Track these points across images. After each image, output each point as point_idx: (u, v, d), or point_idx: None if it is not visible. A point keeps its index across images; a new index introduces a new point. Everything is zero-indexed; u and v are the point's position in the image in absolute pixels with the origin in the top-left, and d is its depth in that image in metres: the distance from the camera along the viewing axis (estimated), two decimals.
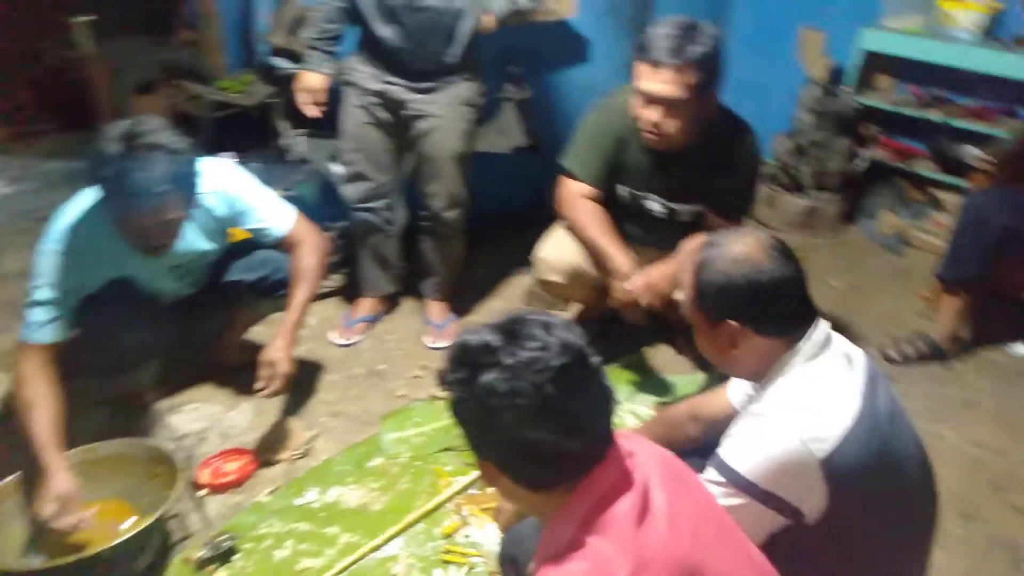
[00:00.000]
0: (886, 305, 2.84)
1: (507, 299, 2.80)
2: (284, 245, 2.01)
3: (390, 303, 2.67)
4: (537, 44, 2.95)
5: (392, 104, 2.21)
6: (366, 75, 2.21)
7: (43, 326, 1.74)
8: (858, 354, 1.29)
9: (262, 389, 1.90)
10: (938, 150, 3.32)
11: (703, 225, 2.06)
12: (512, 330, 0.96)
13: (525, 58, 2.89)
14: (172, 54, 4.10)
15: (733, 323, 1.25)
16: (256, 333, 2.41)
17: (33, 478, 1.64)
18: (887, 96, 3.45)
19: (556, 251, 2.17)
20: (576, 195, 2.06)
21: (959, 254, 2.34)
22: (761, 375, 1.29)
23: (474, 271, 2.89)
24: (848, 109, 3.25)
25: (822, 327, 1.26)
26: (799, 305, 1.27)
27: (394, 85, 2.18)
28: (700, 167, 2.00)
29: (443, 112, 2.21)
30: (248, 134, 3.49)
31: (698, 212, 2.10)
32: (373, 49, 2.17)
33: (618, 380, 2.35)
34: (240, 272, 2.05)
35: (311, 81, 2.24)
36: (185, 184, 1.68)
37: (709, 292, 1.27)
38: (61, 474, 1.60)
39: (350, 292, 2.72)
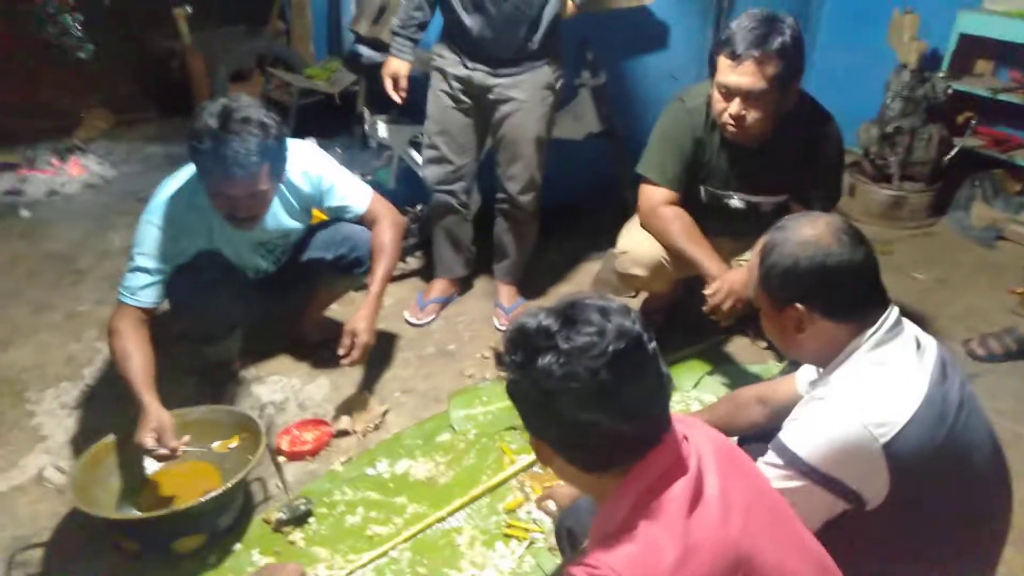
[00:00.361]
0: (973, 300, 2.72)
1: (577, 284, 2.82)
2: (364, 222, 2.12)
3: (462, 286, 2.74)
4: (615, 30, 2.94)
5: (476, 90, 2.27)
6: (451, 61, 2.27)
7: (139, 290, 1.87)
8: (930, 342, 1.26)
9: (344, 356, 2.01)
10: None
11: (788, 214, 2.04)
12: (569, 314, 0.98)
13: (602, 44, 2.88)
14: (265, 43, 4.30)
15: (799, 307, 1.24)
16: (334, 312, 2.52)
17: (125, 436, 1.78)
18: (985, 81, 3.28)
19: (638, 245, 2.15)
20: (658, 202, 2.05)
21: None
22: (827, 360, 1.27)
23: (545, 256, 2.92)
24: (939, 95, 3.11)
25: (893, 314, 1.24)
26: (868, 290, 1.25)
27: (478, 71, 2.23)
28: (781, 160, 1.97)
29: (525, 96, 2.25)
30: (332, 120, 3.63)
31: (782, 203, 2.07)
32: (458, 37, 2.23)
33: (690, 370, 2.35)
34: (320, 250, 2.16)
35: (396, 67, 2.33)
36: (275, 159, 1.80)
37: (775, 274, 1.26)
38: (156, 408, 1.73)
39: (425, 273, 2.81)
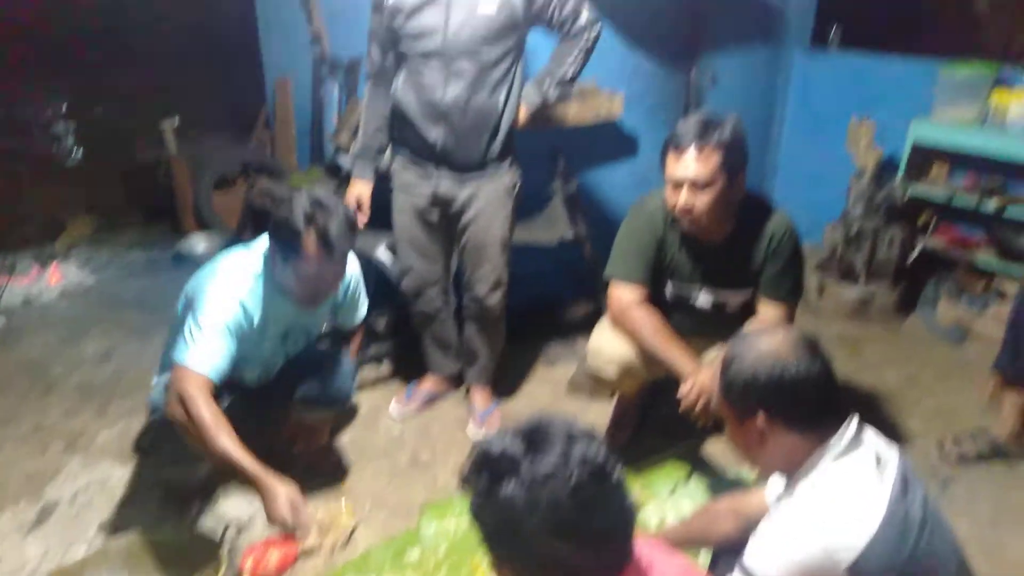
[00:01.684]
0: (944, 399, 2.74)
1: (552, 384, 2.83)
2: (350, 333, 2.28)
3: (454, 383, 2.76)
4: (586, 141, 3.08)
5: (440, 202, 2.34)
6: (413, 177, 2.34)
7: (215, 363, 1.80)
8: (891, 455, 1.27)
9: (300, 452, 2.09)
10: (998, 239, 3.25)
11: (753, 313, 2.09)
12: (534, 439, 0.98)
13: (574, 153, 3.01)
14: (250, 152, 4.43)
15: (761, 418, 1.26)
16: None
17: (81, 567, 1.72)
18: (941, 185, 3.42)
19: (609, 345, 2.19)
20: (628, 301, 2.10)
21: (1016, 348, 2.26)
22: (791, 470, 1.29)
23: (521, 357, 2.94)
24: (898, 199, 3.24)
25: (853, 424, 1.26)
26: (827, 401, 1.28)
27: (442, 182, 2.31)
28: (741, 255, 2.04)
29: (488, 201, 2.32)
30: None
31: (746, 301, 2.12)
32: (421, 150, 2.31)
33: (667, 475, 2.33)
34: (303, 373, 2.18)
35: (359, 189, 2.42)
36: (354, 241, 1.94)
37: (737, 386, 1.29)
38: (277, 481, 1.74)
39: (403, 375, 2.82)
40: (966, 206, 3.27)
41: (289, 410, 2.25)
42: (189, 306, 1.90)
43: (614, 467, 1.00)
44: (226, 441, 1.73)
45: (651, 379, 2.25)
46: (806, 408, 1.26)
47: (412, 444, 2.51)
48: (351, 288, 2.20)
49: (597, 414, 2.56)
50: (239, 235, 3.99)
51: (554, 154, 2.99)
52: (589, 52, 2.27)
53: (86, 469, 2.33)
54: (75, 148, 3.95)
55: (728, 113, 1.93)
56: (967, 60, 3.29)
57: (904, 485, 1.23)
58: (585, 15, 2.22)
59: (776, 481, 1.50)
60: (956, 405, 2.70)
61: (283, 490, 1.73)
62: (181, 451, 2.05)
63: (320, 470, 2.31)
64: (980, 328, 3.14)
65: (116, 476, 2.28)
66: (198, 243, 4.00)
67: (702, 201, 1.91)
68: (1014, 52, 4.27)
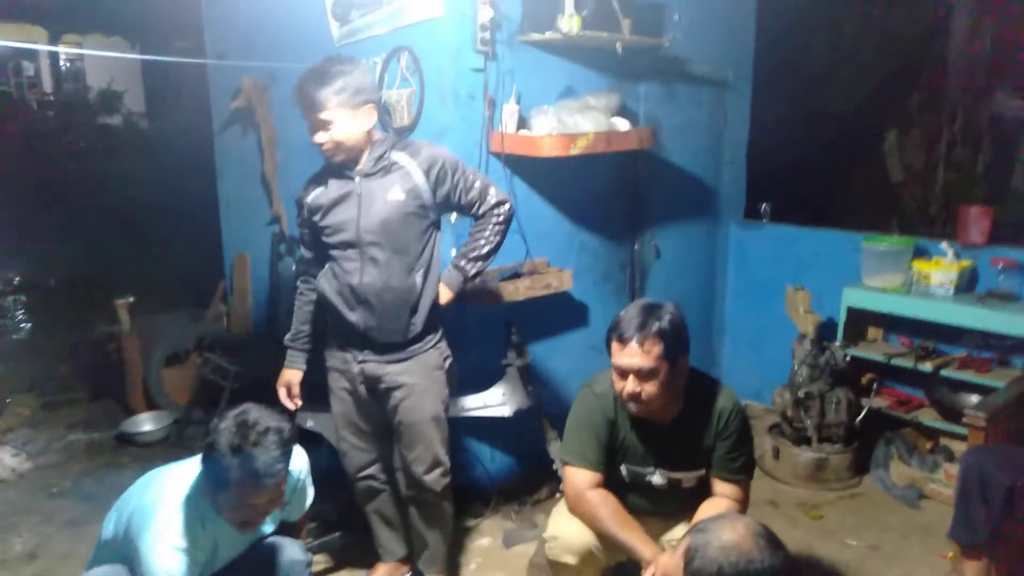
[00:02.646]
0: (906, 567, 2.71)
1: (511, 567, 2.72)
2: (298, 523, 2.21)
3: (408, 567, 2.63)
4: (538, 313, 3.18)
5: (370, 380, 2.35)
6: (341, 359, 2.38)
7: None
8: None
9: None
10: (938, 399, 3.36)
11: (709, 491, 2.09)
12: None
13: (527, 325, 3.09)
14: (204, 327, 4.42)
15: None
16: None
17: None
18: (878, 347, 3.57)
19: (568, 532, 2.14)
20: (583, 486, 2.09)
21: (967, 516, 2.27)
22: None
23: (479, 536, 2.84)
24: (840, 362, 3.36)
25: None
26: None
27: (369, 363, 2.34)
28: (692, 434, 2.07)
29: (416, 380, 2.33)
30: (266, 404, 3.64)
31: (701, 477, 2.12)
32: (343, 331, 2.35)
33: None
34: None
35: (288, 376, 2.47)
36: (289, 459, 1.85)
37: None
38: None
39: (355, 565, 2.69)
40: (905, 366, 3.41)
41: None
42: (131, 536, 1.84)
43: None
44: None
45: (613, 563, 2.19)
46: None
47: None
48: (298, 484, 2.12)
49: None
50: (189, 413, 3.91)
51: (507, 327, 3.07)
52: (502, 228, 2.35)
53: None
54: (23, 322, 3.91)
55: (666, 301, 2.03)
56: (887, 233, 3.55)
57: None
58: (492, 198, 2.32)
59: None
60: (920, 574, 2.67)
61: None
62: None
63: None
64: (934, 488, 3.17)
65: None
66: (144, 422, 3.89)
67: (648, 388, 1.96)
68: (927, 221, 4.66)
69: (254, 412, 1.82)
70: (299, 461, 2.09)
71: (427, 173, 2.23)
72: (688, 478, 2.12)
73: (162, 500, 1.86)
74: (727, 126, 4.00)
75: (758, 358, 4.14)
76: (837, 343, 3.44)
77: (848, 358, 3.40)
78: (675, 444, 2.08)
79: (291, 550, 2.13)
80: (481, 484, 3.09)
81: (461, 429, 2.95)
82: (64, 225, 4.10)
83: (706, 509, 2.05)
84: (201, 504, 1.86)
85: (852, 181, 5.16)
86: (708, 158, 3.96)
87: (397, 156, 2.25)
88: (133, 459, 3.59)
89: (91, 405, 4.29)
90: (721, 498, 2.07)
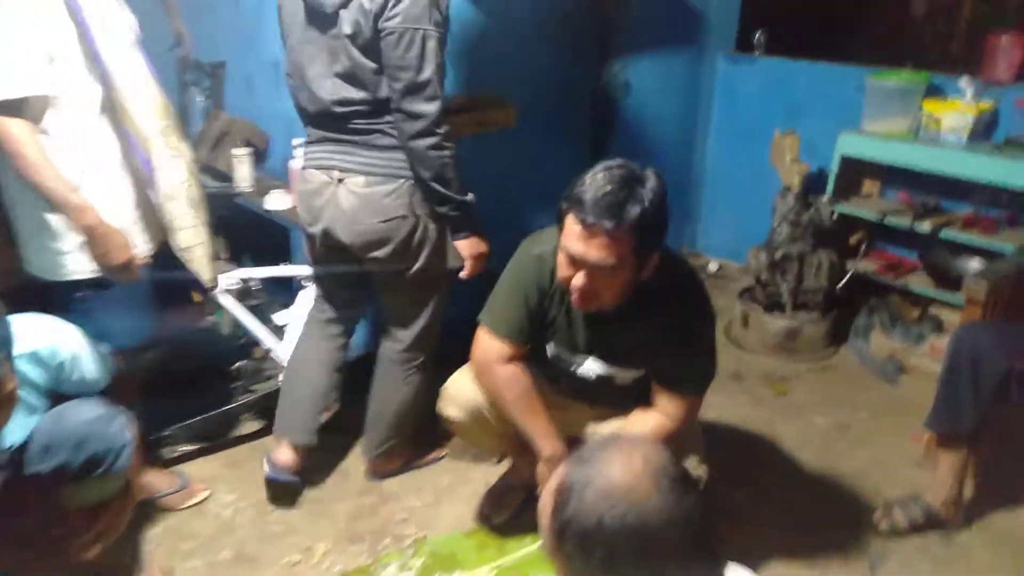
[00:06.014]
0: (876, 450, 2.42)
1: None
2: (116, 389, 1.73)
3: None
4: (478, 156, 2.69)
5: None
6: None
7: None
8: None
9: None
10: (934, 264, 2.96)
11: (650, 396, 1.70)
12: None
13: (466, 173, 2.62)
14: None
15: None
16: None
17: None
18: (873, 203, 3.13)
19: (457, 385, 1.87)
20: (494, 357, 1.71)
21: (952, 402, 1.93)
22: None
23: None
24: (825, 220, 2.93)
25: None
26: (690, 553, 0.91)
27: None
28: (640, 329, 1.63)
29: None
30: None
31: (639, 379, 1.74)
32: None
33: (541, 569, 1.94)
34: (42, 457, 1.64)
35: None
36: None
37: (571, 535, 0.91)
38: None
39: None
40: (900, 226, 2.98)
41: (53, 497, 1.76)
42: None
43: None
44: None
45: (511, 432, 1.85)
46: (666, 561, 0.90)
47: (242, 532, 2.04)
48: (61, 369, 1.62)
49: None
50: None
51: None
52: None
53: None
54: None
55: (647, 169, 1.47)
56: (897, 68, 3.01)
57: None
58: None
59: None
60: (890, 458, 2.37)
61: None
62: None
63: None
64: (916, 363, 2.84)
65: None
66: None
67: (602, 287, 1.49)
68: (947, 59, 4.05)
69: None
70: (49, 338, 1.60)
71: None
72: (622, 376, 1.73)
73: None
74: None
75: (739, 212, 3.70)
76: (825, 198, 2.99)
77: (835, 215, 2.96)
78: (617, 336, 1.66)
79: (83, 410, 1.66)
80: None
81: None
82: None
83: (631, 424, 1.70)
84: None
85: (867, 15, 4.48)
86: None
87: None
88: None
89: None
90: (654, 413, 1.68)
